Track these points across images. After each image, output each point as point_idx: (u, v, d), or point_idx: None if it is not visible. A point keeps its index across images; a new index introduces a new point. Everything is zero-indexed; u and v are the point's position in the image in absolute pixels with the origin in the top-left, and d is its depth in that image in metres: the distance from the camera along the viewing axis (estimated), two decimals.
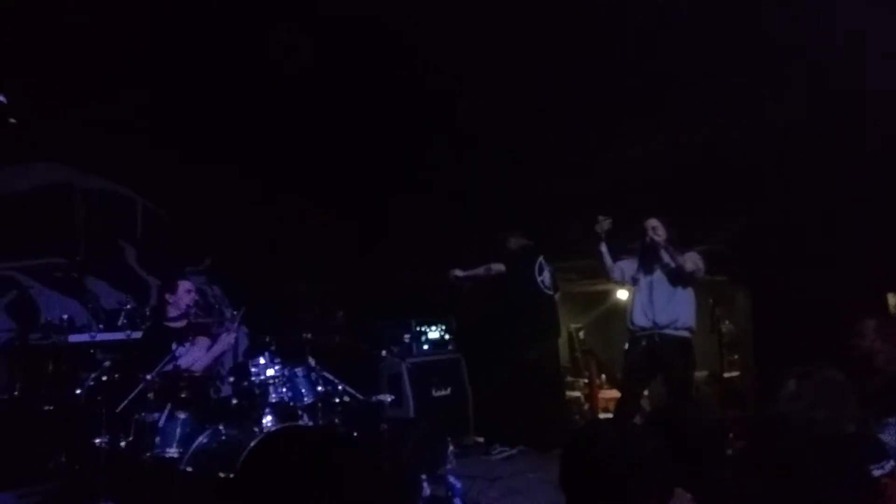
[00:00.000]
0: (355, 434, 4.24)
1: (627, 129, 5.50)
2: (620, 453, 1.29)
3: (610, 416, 6.64)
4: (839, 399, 1.83)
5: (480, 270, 6.05)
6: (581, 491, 1.32)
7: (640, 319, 4.81)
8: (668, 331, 4.71)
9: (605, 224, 4.84)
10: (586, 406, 7.12)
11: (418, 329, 6.43)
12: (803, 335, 4.81)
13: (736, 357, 6.62)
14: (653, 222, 4.66)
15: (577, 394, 7.20)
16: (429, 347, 6.46)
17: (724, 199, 5.42)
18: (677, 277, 4.75)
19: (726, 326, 5.92)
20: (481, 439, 6.10)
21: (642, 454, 1.28)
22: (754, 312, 6.14)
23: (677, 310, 4.72)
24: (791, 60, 4.61)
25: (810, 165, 5.03)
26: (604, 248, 4.94)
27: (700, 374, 6.48)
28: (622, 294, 7.20)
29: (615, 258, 5.00)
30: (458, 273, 6.09)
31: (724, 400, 6.19)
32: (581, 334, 7.60)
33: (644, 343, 4.78)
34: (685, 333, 4.77)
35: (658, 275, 4.82)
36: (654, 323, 4.73)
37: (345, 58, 5.36)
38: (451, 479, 4.29)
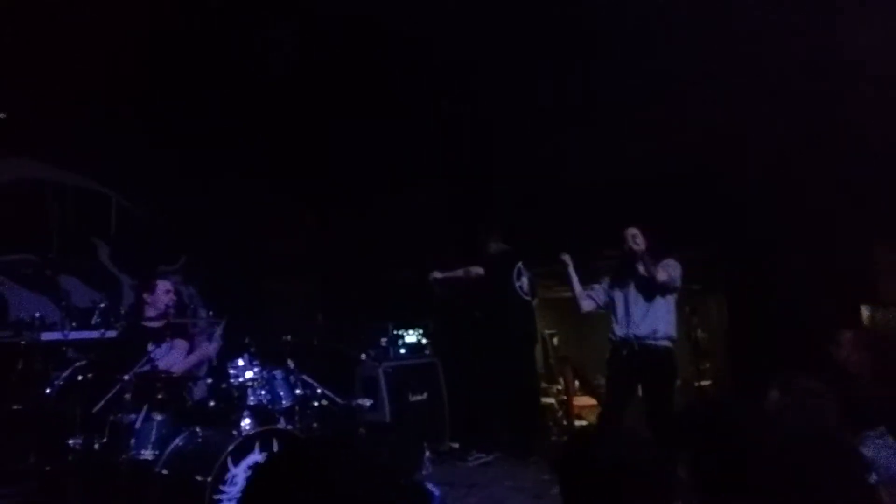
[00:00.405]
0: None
1: (609, 132, 5.55)
2: (622, 460, 1.30)
3: (584, 423, 6.70)
4: (822, 409, 1.88)
5: (459, 273, 6.06)
6: (579, 497, 1.33)
7: (620, 331, 4.79)
8: (647, 342, 4.67)
9: (566, 258, 4.95)
10: (560, 413, 7.16)
11: (395, 332, 6.42)
12: (779, 344, 4.90)
13: (708, 365, 6.72)
14: (633, 231, 4.62)
15: (550, 400, 7.23)
16: (406, 351, 6.45)
17: (702, 207, 5.48)
18: (654, 287, 4.71)
19: (700, 334, 6.01)
20: (457, 445, 6.10)
21: (644, 461, 1.29)
22: (730, 321, 6.24)
23: (656, 320, 4.67)
24: (770, 65, 4.72)
25: (788, 175, 5.12)
26: (573, 277, 5.00)
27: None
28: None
29: (587, 282, 5.01)
30: (437, 275, 6.09)
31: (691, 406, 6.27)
32: (555, 340, 7.64)
33: (624, 354, 4.74)
34: (665, 343, 4.71)
35: (635, 286, 4.78)
36: (633, 335, 4.70)
37: (333, 56, 5.37)
38: (430, 485, 4.28)
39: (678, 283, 4.75)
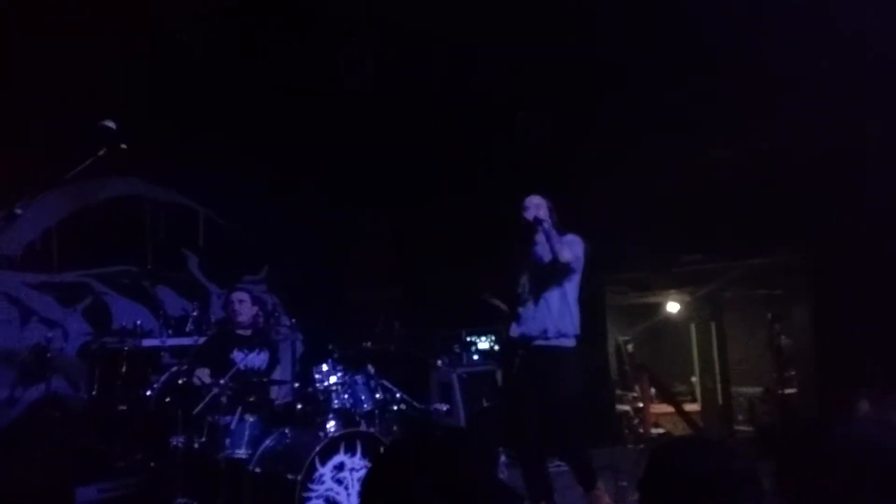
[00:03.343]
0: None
1: (693, 134, 5.47)
2: (707, 472, 1.30)
3: (661, 431, 6.61)
4: None
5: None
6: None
7: (513, 330, 4.13)
8: (538, 343, 3.96)
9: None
10: (636, 421, 7.08)
11: (468, 339, 6.52)
12: (868, 355, 4.70)
13: (794, 373, 6.51)
14: (536, 199, 3.99)
15: (626, 408, 7.17)
16: (479, 358, 6.54)
17: (787, 209, 5.31)
18: (551, 274, 3.97)
19: (783, 341, 5.84)
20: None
21: (730, 473, 1.29)
22: (816, 329, 6.03)
23: (545, 317, 3.97)
24: (862, 63, 4.56)
25: (883, 171, 4.90)
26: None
27: (755, 391, 6.41)
28: (673, 307, 7.17)
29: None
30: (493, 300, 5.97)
31: (778, 416, 6.10)
32: (630, 347, 7.57)
33: (518, 358, 4.07)
34: (559, 343, 3.97)
35: (529, 274, 4.10)
36: (524, 334, 4.02)
37: (401, 70, 5.54)
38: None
39: (582, 263, 4.02)
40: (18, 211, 2.25)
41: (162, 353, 5.32)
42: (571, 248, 3.92)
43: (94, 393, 4.95)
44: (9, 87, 4.64)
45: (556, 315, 3.94)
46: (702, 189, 5.39)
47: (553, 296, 3.96)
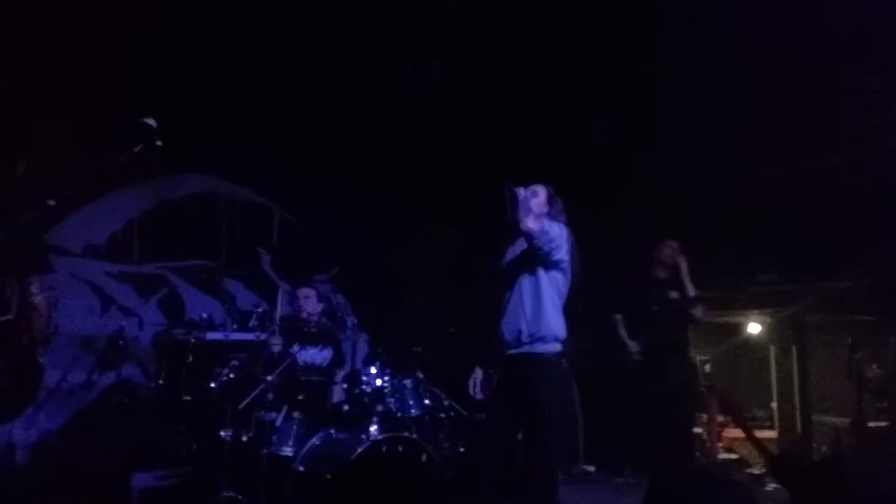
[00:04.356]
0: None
1: (766, 148, 5.18)
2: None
3: (734, 456, 6.28)
4: None
5: None
6: None
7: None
8: (511, 351, 3.48)
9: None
10: (708, 444, 6.74)
11: None
12: None
13: (886, 405, 6.02)
14: (536, 186, 3.54)
15: (699, 430, 6.84)
16: None
17: (871, 227, 4.92)
18: (523, 267, 3.46)
19: (873, 371, 5.40)
20: (592, 468, 5.93)
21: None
22: None
23: (518, 317, 3.44)
24: None
25: None
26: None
27: (841, 421, 5.96)
28: (754, 328, 6.76)
29: None
30: None
31: (866, 451, 5.63)
32: (707, 367, 7.21)
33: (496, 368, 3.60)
34: (533, 350, 3.40)
35: (506, 271, 3.58)
36: (501, 338, 3.52)
37: (468, 77, 5.50)
38: None
39: (562, 254, 3.39)
40: (51, 203, 2.34)
41: (226, 347, 5.49)
42: (549, 230, 3.32)
43: (160, 382, 5.15)
44: (79, 92, 4.90)
45: (529, 315, 3.38)
46: (778, 204, 5.06)
47: (526, 291, 3.41)
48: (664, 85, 5.00)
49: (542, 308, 3.38)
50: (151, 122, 2.31)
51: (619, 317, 5.51)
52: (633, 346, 5.18)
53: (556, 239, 3.37)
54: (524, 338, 3.40)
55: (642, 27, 4.59)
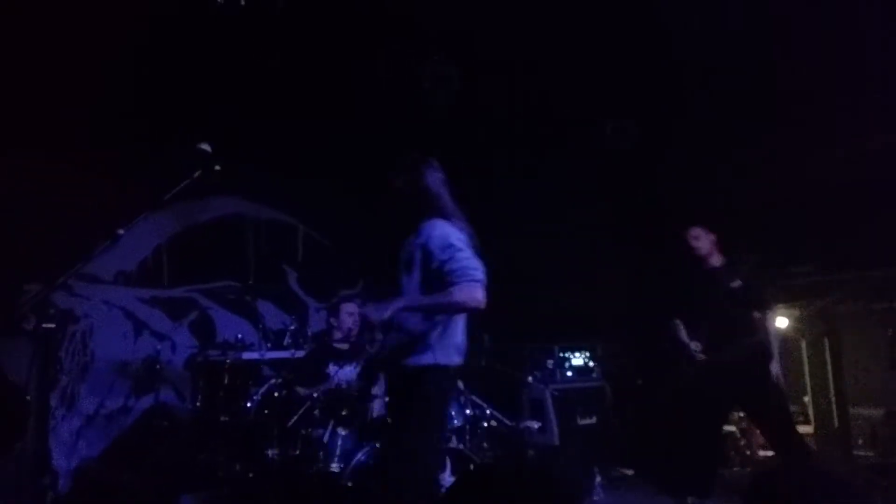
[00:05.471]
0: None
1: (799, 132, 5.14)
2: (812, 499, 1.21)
3: (769, 453, 6.23)
4: None
5: None
6: None
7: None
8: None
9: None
10: (742, 442, 6.71)
11: (561, 355, 6.39)
12: None
13: None
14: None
15: (732, 428, 6.80)
16: (572, 374, 6.39)
17: None
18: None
19: None
20: (631, 472, 5.92)
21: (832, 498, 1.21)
22: None
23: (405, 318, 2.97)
24: None
25: None
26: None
27: (877, 413, 5.91)
28: (781, 322, 6.73)
29: None
30: None
31: None
32: None
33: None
34: (408, 362, 2.93)
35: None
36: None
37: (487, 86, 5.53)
38: None
39: (432, 246, 2.89)
40: (121, 232, 2.37)
41: (262, 366, 5.53)
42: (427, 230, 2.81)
43: (198, 404, 5.18)
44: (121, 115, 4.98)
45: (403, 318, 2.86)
46: (809, 192, 5.03)
47: (411, 282, 2.93)
48: (692, 78, 4.98)
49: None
50: (206, 147, 2.35)
51: (677, 322, 5.33)
52: (695, 346, 5.07)
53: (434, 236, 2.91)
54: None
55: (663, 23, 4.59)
